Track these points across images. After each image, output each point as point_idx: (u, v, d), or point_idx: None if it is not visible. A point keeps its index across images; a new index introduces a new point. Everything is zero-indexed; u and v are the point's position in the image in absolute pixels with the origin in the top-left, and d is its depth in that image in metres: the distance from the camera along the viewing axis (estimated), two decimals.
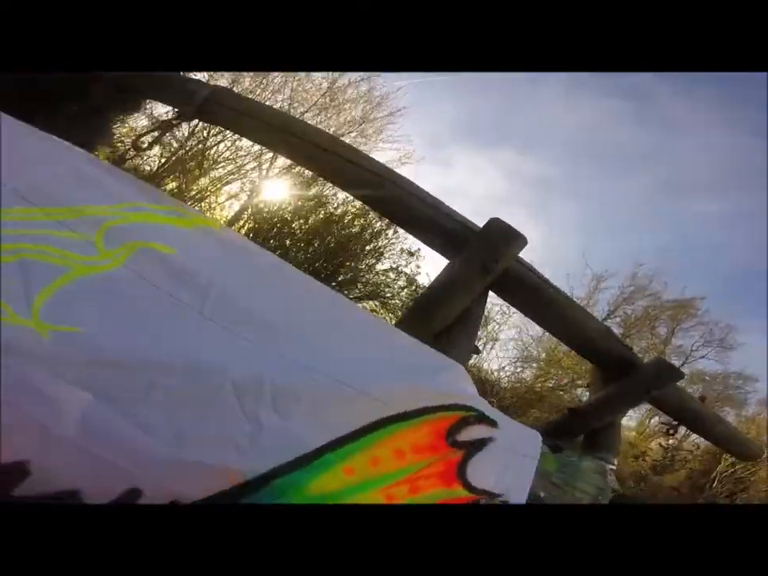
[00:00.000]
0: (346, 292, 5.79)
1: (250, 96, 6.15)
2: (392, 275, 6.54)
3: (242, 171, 6.28)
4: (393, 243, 5.97)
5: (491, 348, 8.91)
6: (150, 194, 1.22)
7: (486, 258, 1.31)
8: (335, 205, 5.28)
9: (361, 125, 6.85)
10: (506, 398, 7.73)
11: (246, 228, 5.44)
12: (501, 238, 1.33)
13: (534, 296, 1.55)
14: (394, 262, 6.38)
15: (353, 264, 5.52)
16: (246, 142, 5.90)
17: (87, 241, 1.00)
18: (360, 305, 6.82)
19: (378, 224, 5.55)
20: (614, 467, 1.89)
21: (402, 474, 1.11)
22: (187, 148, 5.93)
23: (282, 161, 6.09)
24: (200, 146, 5.99)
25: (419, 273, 6.81)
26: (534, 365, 10.69)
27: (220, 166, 6.28)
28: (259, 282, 1.15)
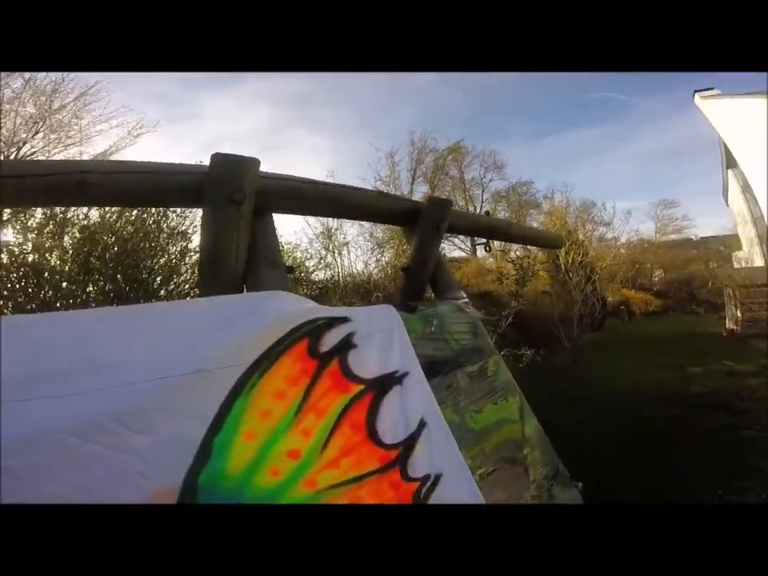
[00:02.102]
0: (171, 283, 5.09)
1: None
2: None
3: None
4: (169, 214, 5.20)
5: (348, 254, 9.27)
6: None
7: (229, 192, 1.29)
8: (79, 220, 4.29)
9: (45, 120, 5.46)
10: (387, 287, 8.11)
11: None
12: (233, 168, 1.31)
13: (300, 198, 1.62)
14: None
15: (162, 260, 4.78)
16: None
17: None
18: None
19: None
20: (466, 299, 2.15)
21: (298, 408, 1.17)
22: None
23: None
24: None
25: None
26: (387, 245, 11.66)
27: None
28: (9, 346, 0.98)
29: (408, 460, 1.31)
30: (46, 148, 5.81)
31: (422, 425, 1.41)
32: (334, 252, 8.51)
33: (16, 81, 5.59)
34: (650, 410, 4.97)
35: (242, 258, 1.40)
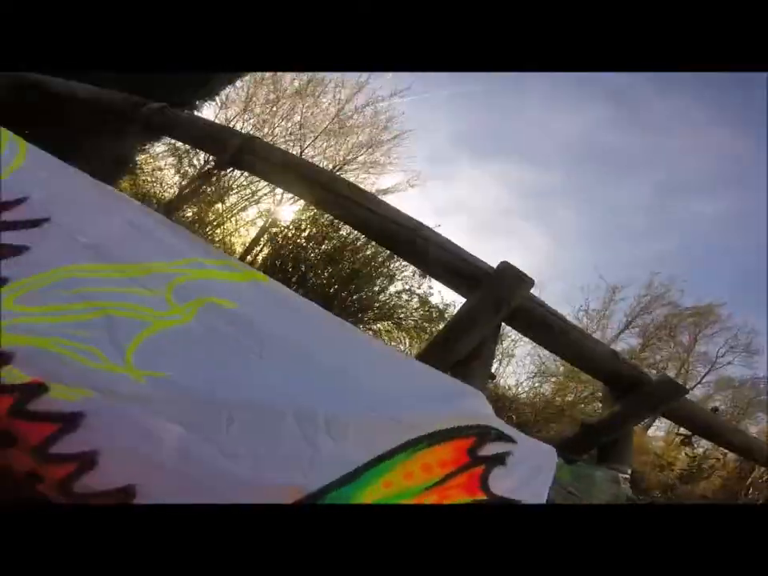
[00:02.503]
0: (360, 315, 6.04)
1: (261, 122, 6.50)
2: (405, 296, 6.82)
3: (256, 197, 6.65)
4: (405, 266, 6.22)
5: (507, 364, 8.93)
6: (200, 248, 1.42)
7: (498, 299, 1.55)
8: (348, 230, 5.58)
9: (369, 148, 7.20)
10: (524, 413, 7.71)
11: (263, 253, 5.74)
12: (511, 281, 1.57)
13: (544, 329, 1.77)
14: (406, 284, 6.72)
15: (367, 288, 5.77)
16: None
17: (159, 297, 1.20)
18: (375, 325, 7.07)
19: None
20: (627, 476, 1.99)
21: (431, 486, 1.31)
22: (203, 176, 6.26)
23: None
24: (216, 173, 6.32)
25: (431, 293, 7.02)
26: (553, 379, 10.69)
27: (234, 192, 6.65)
28: (304, 328, 1.38)
29: None
30: (356, 170, 7.60)
31: None
32: (498, 356, 8.35)
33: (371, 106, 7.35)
34: None
35: (468, 351, 1.62)
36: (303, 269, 5.21)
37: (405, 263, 5.86)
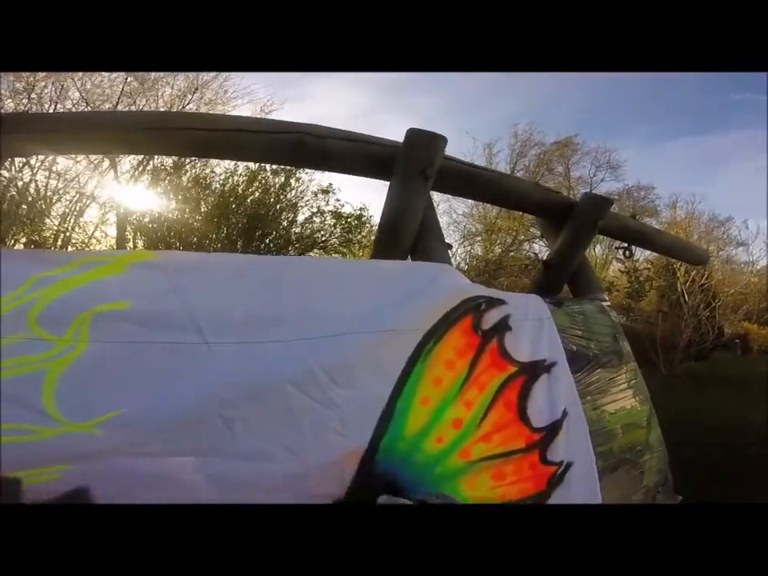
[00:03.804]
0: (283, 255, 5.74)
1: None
2: (317, 219, 6.61)
3: (85, 191, 5.52)
4: (302, 191, 5.87)
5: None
6: (39, 261, 1.08)
7: (422, 164, 1.43)
8: (219, 182, 4.98)
9: (194, 93, 6.18)
10: (470, 277, 8.17)
11: (140, 245, 4.98)
12: (426, 144, 1.45)
13: (471, 182, 1.72)
14: (312, 207, 6.49)
15: (273, 228, 5.39)
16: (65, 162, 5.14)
17: (28, 340, 0.93)
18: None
19: (276, 179, 5.36)
20: (608, 302, 2.11)
21: (464, 381, 1.28)
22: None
23: (130, 160, 5.43)
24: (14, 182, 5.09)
25: (342, 204, 6.88)
26: (478, 238, 11.67)
27: (57, 196, 5.46)
28: (232, 284, 1.15)
29: (549, 444, 1.38)
30: None
31: (564, 414, 1.46)
32: None
33: None
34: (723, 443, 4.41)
35: (416, 228, 1.54)
36: (194, 241, 4.63)
37: (301, 189, 5.51)
